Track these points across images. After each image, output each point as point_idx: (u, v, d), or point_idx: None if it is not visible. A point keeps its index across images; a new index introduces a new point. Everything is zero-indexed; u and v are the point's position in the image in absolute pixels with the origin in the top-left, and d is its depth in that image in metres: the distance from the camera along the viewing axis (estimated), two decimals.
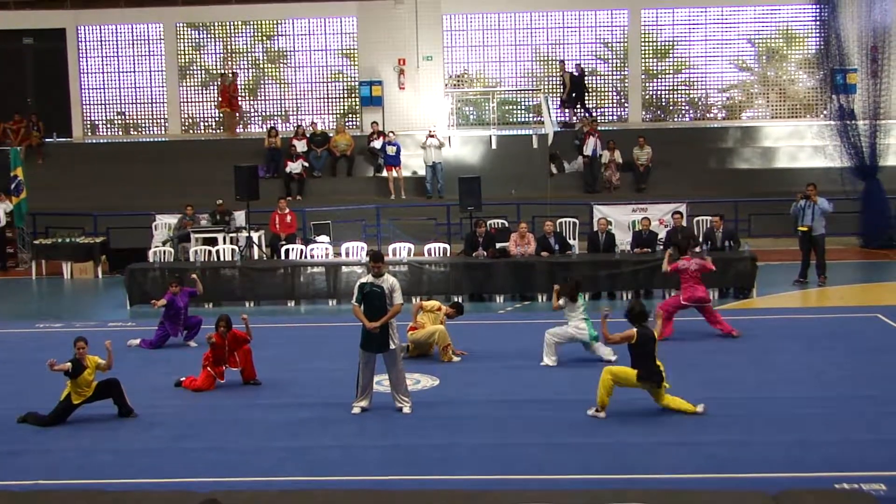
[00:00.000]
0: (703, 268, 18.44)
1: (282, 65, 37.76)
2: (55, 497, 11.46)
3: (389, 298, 14.15)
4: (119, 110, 38.27)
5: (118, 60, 37.82)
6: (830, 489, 11.09)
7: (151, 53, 37.76)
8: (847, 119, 28.47)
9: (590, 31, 36.91)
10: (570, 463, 12.15)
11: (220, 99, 35.95)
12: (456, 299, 20.41)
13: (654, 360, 13.75)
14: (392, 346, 14.18)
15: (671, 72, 37.31)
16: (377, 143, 33.00)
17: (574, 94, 35.29)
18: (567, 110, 35.67)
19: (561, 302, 16.77)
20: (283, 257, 24.67)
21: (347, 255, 24.33)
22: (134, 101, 38.15)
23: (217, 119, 38.05)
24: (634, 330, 13.93)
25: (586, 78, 35.79)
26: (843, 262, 26.14)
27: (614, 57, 37.16)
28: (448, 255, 24.26)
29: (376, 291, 14.16)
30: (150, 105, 38.15)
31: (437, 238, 26.96)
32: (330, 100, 37.65)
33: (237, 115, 36.14)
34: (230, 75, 36.02)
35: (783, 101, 37.16)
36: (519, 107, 37.39)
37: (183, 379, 15.94)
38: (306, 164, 32.57)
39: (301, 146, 33.01)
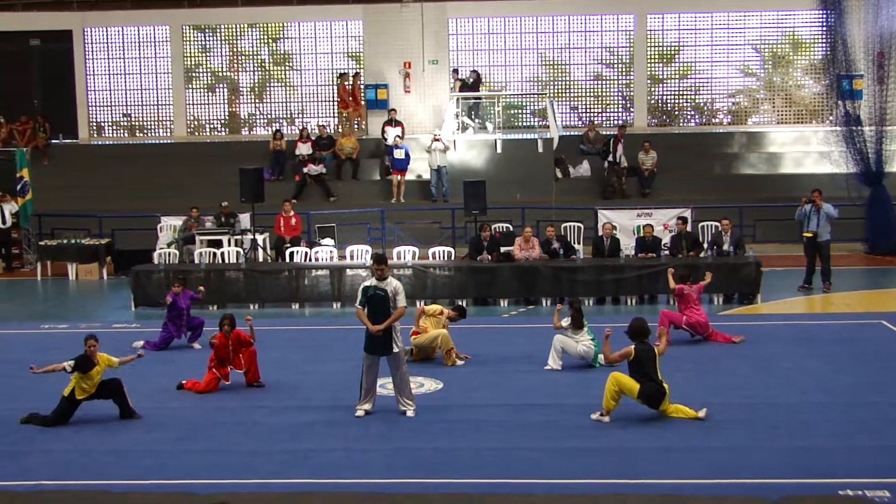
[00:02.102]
0: (701, 290, 18.79)
1: (288, 67, 37.77)
2: (58, 498, 11.48)
3: (393, 301, 14.14)
4: (125, 112, 38.31)
5: (124, 62, 37.86)
6: (834, 495, 11.08)
7: (158, 55, 37.79)
8: (853, 125, 28.44)
9: (596, 35, 36.89)
10: (574, 467, 12.13)
11: (338, 99, 35.79)
12: (459, 303, 20.41)
13: (654, 377, 13.72)
14: (395, 350, 14.18)
15: (677, 77, 37.28)
16: (390, 133, 32.86)
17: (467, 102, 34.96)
18: (465, 119, 35.43)
19: (564, 323, 16.77)
20: (287, 260, 24.66)
21: (352, 258, 24.33)
22: (140, 103, 38.19)
23: (222, 121, 38.11)
24: (632, 347, 13.91)
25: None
26: (848, 268, 26.11)
27: (620, 62, 37.15)
28: (453, 258, 24.27)
29: (380, 295, 14.15)
30: (156, 107, 38.19)
31: (442, 242, 26.98)
32: (335, 103, 37.60)
33: (359, 116, 35.75)
34: (350, 75, 35.85)
35: (789, 106, 37.12)
36: (524, 111, 37.36)
37: (185, 382, 15.94)
38: (325, 170, 32.54)
39: (306, 149, 33.04)
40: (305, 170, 32.29)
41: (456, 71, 35.71)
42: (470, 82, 35.03)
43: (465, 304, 19.90)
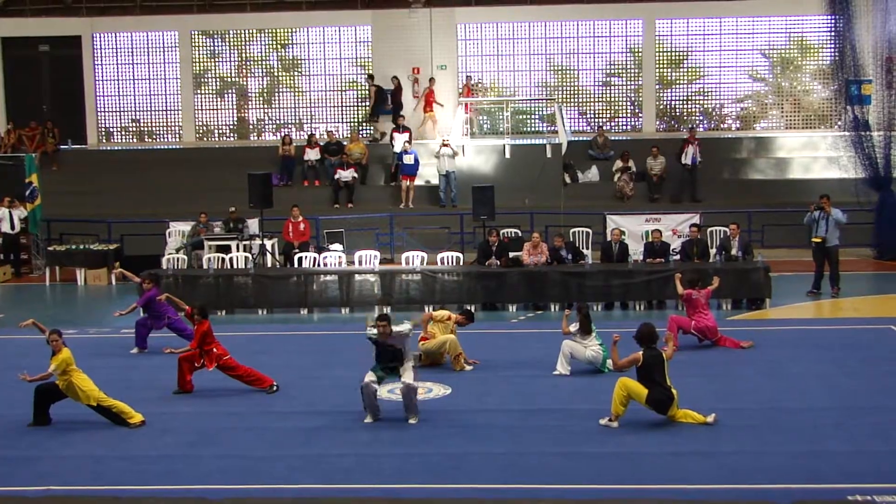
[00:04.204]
0: (709, 295, 18.78)
1: (296, 73, 37.83)
2: (69, 503, 11.52)
3: (406, 349, 14.37)
4: (134, 117, 38.38)
5: (133, 68, 37.93)
6: (844, 500, 11.08)
7: (166, 61, 37.87)
8: (861, 130, 28.44)
9: (604, 41, 36.89)
10: (583, 472, 12.14)
11: (424, 102, 35.66)
12: (467, 307, 20.42)
13: (662, 383, 13.70)
14: (403, 377, 14.30)
15: (685, 82, 37.27)
16: (398, 139, 32.89)
17: (383, 108, 35.53)
18: (372, 125, 35.80)
19: (572, 329, 16.78)
20: (296, 265, 24.71)
21: (360, 263, 24.35)
22: (148, 109, 38.26)
23: (231, 126, 38.17)
24: (641, 353, 13.91)
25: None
26: (857, 273, 26.09)
27: (628, 67, 37.14)
28: (461, 263, 24.27)
29: (389, 350, 14.32)
30: (164, 112, 38.26)
31: (451, 247, 26.99)
32: (344, 108, 37.69)
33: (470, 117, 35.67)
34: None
35: (797, 111, 37.10)
36: (532, 116, 37.40)
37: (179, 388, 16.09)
38: (356, 175, 32.56)
39: (314, 154, 33.09)
40: (337, 175, 32.30)
41: (371, 77, 35.78)
42: (384, 89, 35.40)
43: (473, 309, 19.87)
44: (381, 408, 14.39)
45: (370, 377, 14.23)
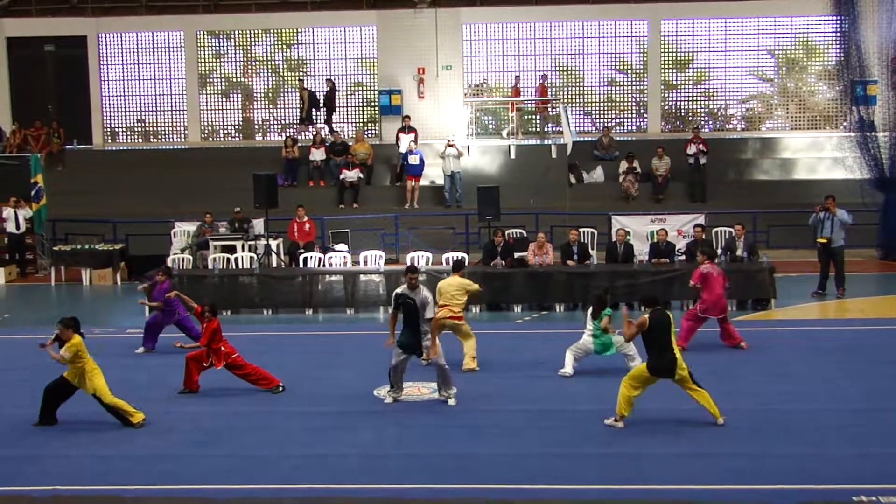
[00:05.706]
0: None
1: (302, 73, 37.82)
2: (74, 503, 11.55)
3: (422, 311, 14.67)
4: (139, 117, 38.38)
5: (139, 68, 37.91)
6: (848, 502, 11.08)
7: (172, 61, 37.86)
8: (867, 131, 28.39)
9: (609, 41, 36.88)
10: (587, 473, 12.16)
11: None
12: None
13: (667, 348, 13.66)
14: (424, 352, 14.83)
15: (690, 82, 37.24)
16: (404, 140, 32.92)
17: (317, 111, 36.08)
18: (308, 128, 35.89)
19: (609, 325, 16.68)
20: (301, 265, 24.71)
21: (365, 263, 24.36)
22: (154, 109, 38.26)
23: (236, 126, 38.19)
24: (647, 316, 13.89)
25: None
26: (862, 274, 26.05)
27: (634, 67, 37.12)
28: (466, 264, 24.22)
29: (409, 304, 14.69)
30: (170, 112, 38.23)
31: (456, 247, 27.00)
32: (349, 108, 37.68)
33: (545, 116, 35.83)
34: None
35: (803, 112, 37.06)
36: (538, 116, 37.37)
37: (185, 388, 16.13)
38: (361, 176, 32.56)
39: (319, 155, 33.09)
40: (342, 176, 32.31)
41: (301, 81, 36.14)
42: (313, 92, 35.96)
43: (477, 309, 19.75)
44: (387, 411, 14.49)
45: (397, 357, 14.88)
